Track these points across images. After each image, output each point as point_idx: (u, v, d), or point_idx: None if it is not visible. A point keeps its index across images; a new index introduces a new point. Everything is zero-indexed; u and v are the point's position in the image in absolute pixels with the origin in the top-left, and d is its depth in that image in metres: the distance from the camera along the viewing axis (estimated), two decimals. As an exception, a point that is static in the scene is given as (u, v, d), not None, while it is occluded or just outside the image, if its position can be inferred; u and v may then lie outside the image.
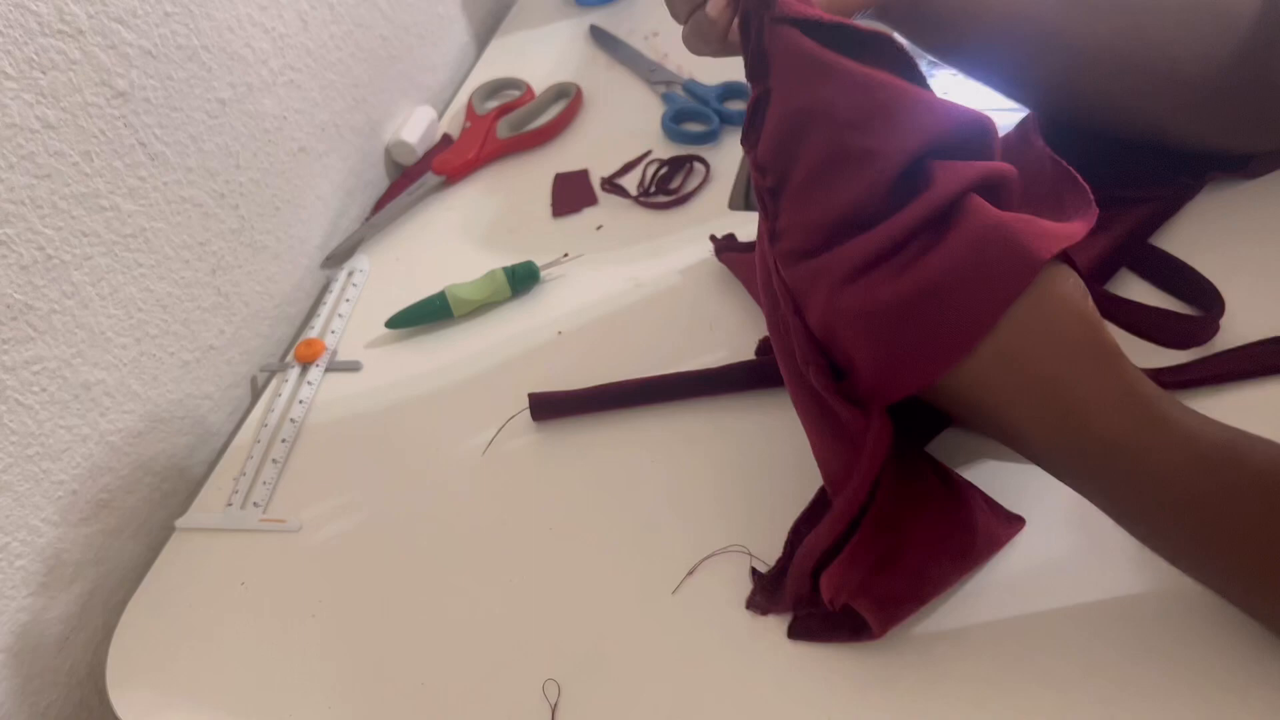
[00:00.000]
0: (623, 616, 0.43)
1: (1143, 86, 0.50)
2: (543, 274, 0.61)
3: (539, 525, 0.48)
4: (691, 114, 0.70)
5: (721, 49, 0.49)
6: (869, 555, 0.38)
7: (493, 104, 0.75)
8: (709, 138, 0.68)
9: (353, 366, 0.59)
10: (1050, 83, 0.53)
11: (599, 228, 0.64)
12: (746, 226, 0.60)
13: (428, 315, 0.59)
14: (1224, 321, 0.46)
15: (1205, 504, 0.33)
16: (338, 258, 0.67)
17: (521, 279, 0.60)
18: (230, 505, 0.52)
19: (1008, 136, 0.51)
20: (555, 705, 0.41)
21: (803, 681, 0.39)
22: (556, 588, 0.45)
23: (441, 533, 0.49)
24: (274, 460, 0.54)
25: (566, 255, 0.62)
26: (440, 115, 0.77)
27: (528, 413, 0.52)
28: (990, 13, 0.53)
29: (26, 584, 0.47)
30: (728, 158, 0.67)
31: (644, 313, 0.57)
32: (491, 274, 0.60)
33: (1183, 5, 0.49)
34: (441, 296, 0.59)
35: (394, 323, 0.59)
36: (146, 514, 0.54)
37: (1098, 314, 0.36)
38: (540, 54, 0.80)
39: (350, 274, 0.65)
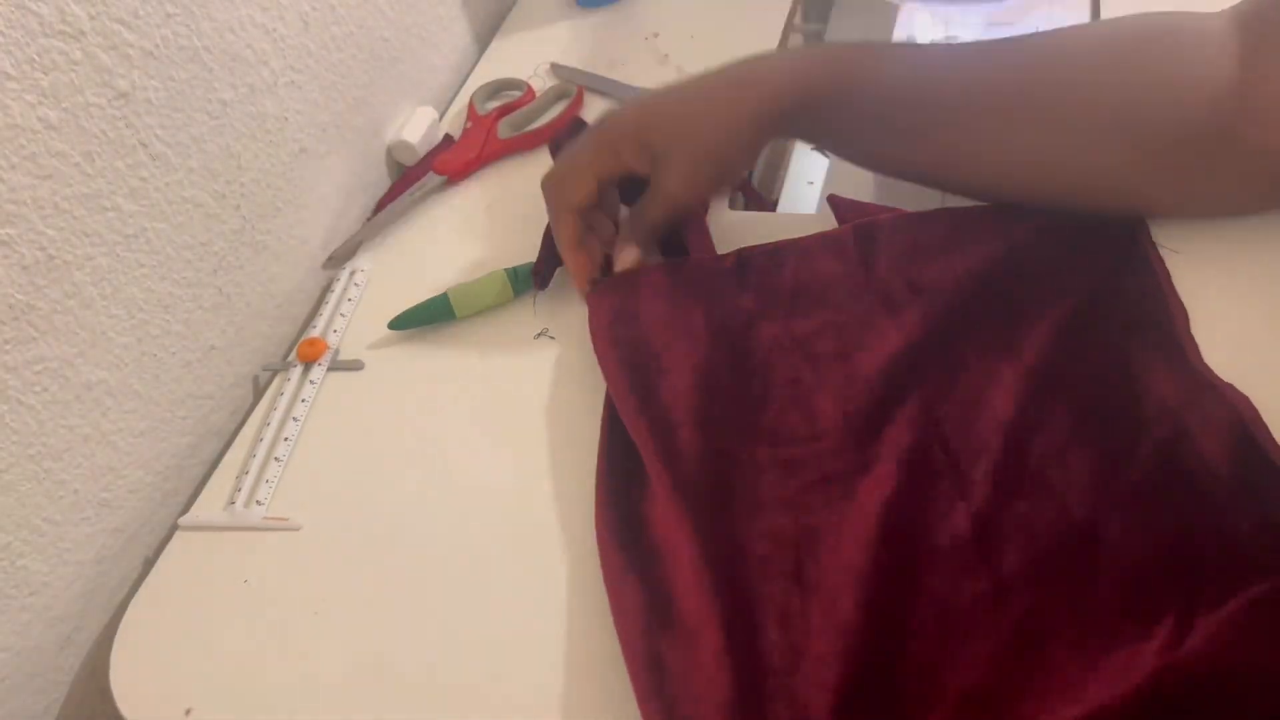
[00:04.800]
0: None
1: (1105, 150, 0.49)
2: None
3: (543, 522, 0.48)
4: None
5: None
6: None
7: (494, 104, 0.75)
8: None
9: (355, 366, 0.59)
10: (1001, 158, 0.51)
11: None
12: (741, 229, 0.60)
13: (430, 316, 0.59)
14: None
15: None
16: (339, 258, 0.67)
17: (524, 279, 0.60)
18: (233, 504, 0.52)
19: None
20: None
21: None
22: (560, 586, 0.45)
23: (445, 530, 0.49)
24: (277, 459, 0.54)
25: None
26: (441, 116, 0.78)
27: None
28: (938, 92, 0.51)
29: (28, 583, 0.47)
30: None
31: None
32: (493, 275, 0.60)
33: (1140, 67, 0.48)
34: (444, 298, 0.59)
35: (397, 324, 0.59)
36: (148, 513, 0.54)
37: None
38: (541, 54, 0.80)
39: (352, 274, 0.65)
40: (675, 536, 0.42)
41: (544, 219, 0.57)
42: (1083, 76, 0.48)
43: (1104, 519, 0.41)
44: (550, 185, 0.55)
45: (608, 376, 0.50)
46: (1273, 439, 0.41)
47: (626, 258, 0.54)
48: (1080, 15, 0.70)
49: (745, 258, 0.55)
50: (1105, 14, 0.70)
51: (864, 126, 0.52)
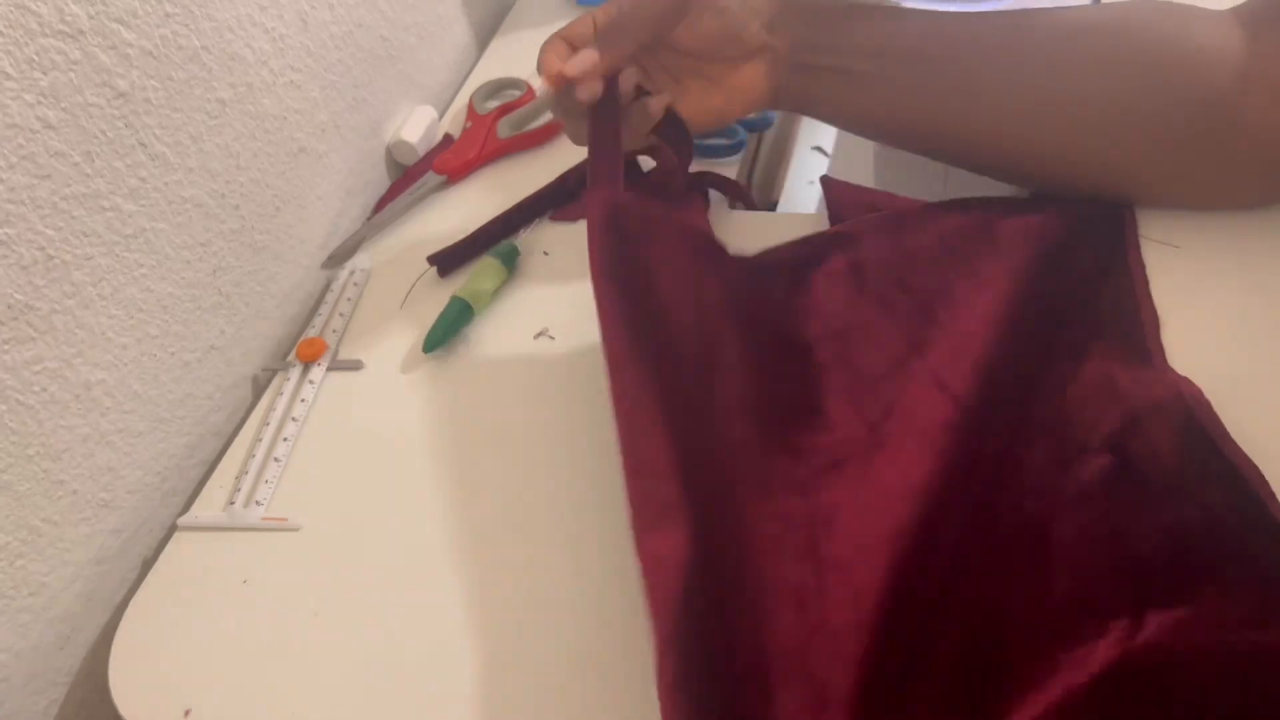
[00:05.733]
0: (630, 606, 0.43)
1: (1104, 127, 0.49)
2: (520, 245, 0.63)
3: (543, 522, 0.48)
4: None
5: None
6: None
7: (493, 104, 0.75)
8: (734, 150, 0.67)
9: (354, 365, 0.59)
10: (988, 138, 0.52)
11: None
12: (741, 229, 0.60)
13: (456, 325, 0.58)
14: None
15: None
16: (339, 258, 0.67)
17: (509, 257, 0.61)
18: (232, 504, 0.52)
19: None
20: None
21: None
22: (561, 585, 0.45)
23: (444, 530, 0.49)
24: (276, 459, 0.54)
25: (546, 254, 0.63)
26: (441, 115, 0.78)
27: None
28: (937, 45, 0.51)
29: (27, 584, 0.47)
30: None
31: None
32: (484, 263, 0.60)
33: (1134, 58, 0.48)
34: (460, 302, 0.58)
35: (429, 346, 0.57)
36: (148, 514, 0.54)
37: None
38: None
39: (351, 273, 0.65)
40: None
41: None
42: (1081, 54, 0.49)
43: (1057, 517, 0.41)
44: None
45: (602, 303, 0.45)
46: (1224, 431, 0.41)
47: (583, 59, 0.49)
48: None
49: (742, 262, 0.55)
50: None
51: (866, 73, 0.52)
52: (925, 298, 0.50)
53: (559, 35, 0.54)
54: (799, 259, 0.55)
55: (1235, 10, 0.48)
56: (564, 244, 0.63)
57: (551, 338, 0.57)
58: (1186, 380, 0.43)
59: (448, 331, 0.57)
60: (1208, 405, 0.42)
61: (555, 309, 0.59)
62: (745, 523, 0.42)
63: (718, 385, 0.46)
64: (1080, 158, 0.50)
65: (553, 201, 0.65)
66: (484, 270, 0.60)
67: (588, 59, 0.49)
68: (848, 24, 0.52)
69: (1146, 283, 0.49)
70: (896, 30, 0.52)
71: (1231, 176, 0.49)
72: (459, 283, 0.60)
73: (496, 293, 0.60)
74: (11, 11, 0.42)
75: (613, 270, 0.45)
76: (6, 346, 0.44)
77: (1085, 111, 0.48)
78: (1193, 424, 0.41)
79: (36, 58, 0.43)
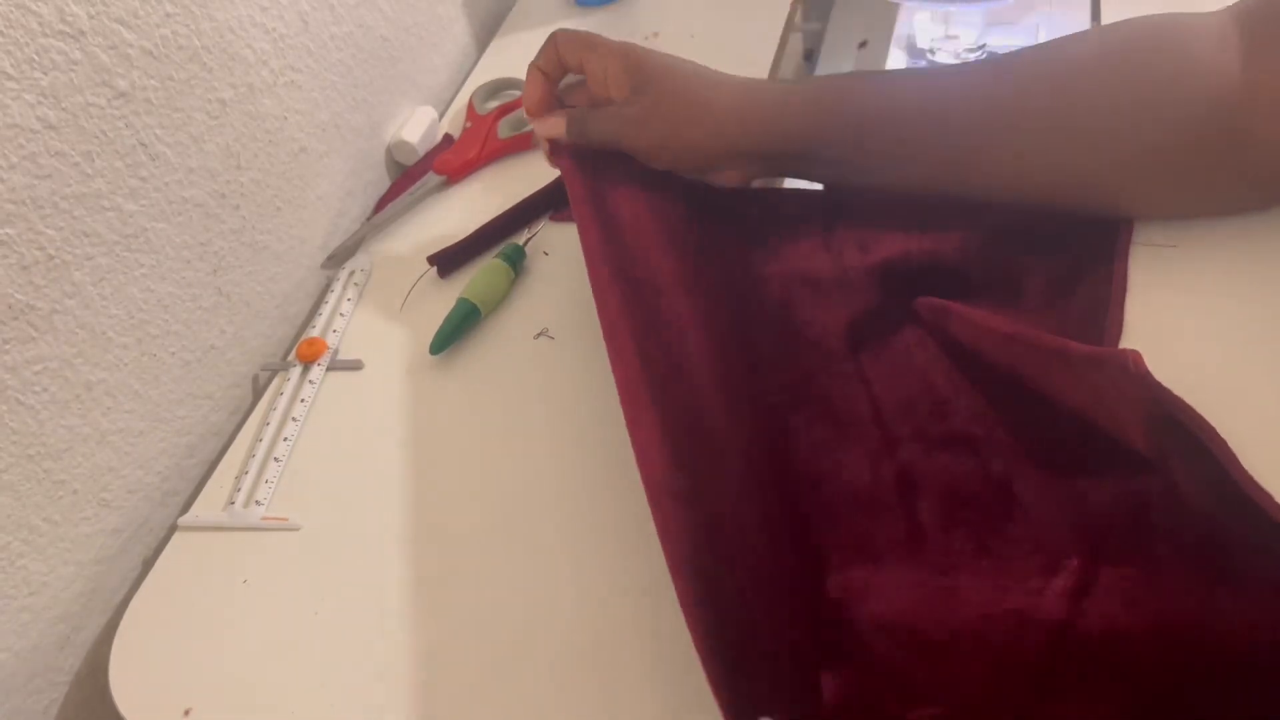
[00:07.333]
0: (629, 606, 0.43)
1: (1112, 157, 0.48)
2: (526, 247, 0.63)
3: (543, 521, 0.48)
4: None
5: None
6: None
7: (494, 104, 0.75)
8: None
9: (354, 365, 0.59)
10: (987, 179, 0.51)
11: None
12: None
13: (464, 327, 0.58)
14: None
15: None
16: (339, 258, 0.67)
17: (515, 258, 0.61)
18: (233, 504, 0.52)
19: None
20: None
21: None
22: (561, 585, 0.45)
23: (444, 530, 0.49)
24: (276, 459, 0.54)
25: (546, 254, 0.63)
26: (441, 115, 0.78)
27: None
28: (942, 114, 0.50)
29: (28, 583, 0.47)
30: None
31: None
32: (491, 265, 0.60)
33: (1129, 75, 0.48)
34: (468, 304, 0.58)
35: (436, 348, 0.57)
36: (148, 513, 0.54)
37: None
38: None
39: (352, 273, 0.65)
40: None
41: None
42: (1084, 87, 0.48)
43: (1021, 474, 0.43)
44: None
45: (587, 236, 0.50)
46: (1181, 401, 0.41)
47: (553, 124, 0.55)
48: (1080, 14, 0.70)
49: (714, 191, 0.56)
50: (1105, 12, 0.70)
51: (870, 159, 0.51)
52: (878, 263, 0.52)
53: (535, 66, 0.57)
54: (785, 203, 0.57)
55: (1232, 12, 0.48)
56: (564, 244, 0.63)
57: (551, 337, 0.57)
58: (1134, 352, 0.42)
59: (454, 333, 0.57)
60: (1157, 383, 0.42)
61: (555, 309, 0.59)
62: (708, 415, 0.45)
63: (672, 307, 0.49)
64: (1085, 182, 0.49)
65: (553, 202, 0.65)
66: (491, 273, 0.59)
67: (556, 129, 0.55)
68: (819, 125, 0.51)
69: (1123, 294, 0.49)
70: (875, 110, 0.50)
71: (1234, 190, 0.49)
72: (460, 283, 0.60)
73: (503, 298, 0.60)
74: (12, 11, 0.42)
75: (591, 200, 0.51)
76: (7, 346, 0.44)
77: (1087, 144, 0.48)
78: (1151, 395, 0.41)
79: (37, 58, 0.43)
